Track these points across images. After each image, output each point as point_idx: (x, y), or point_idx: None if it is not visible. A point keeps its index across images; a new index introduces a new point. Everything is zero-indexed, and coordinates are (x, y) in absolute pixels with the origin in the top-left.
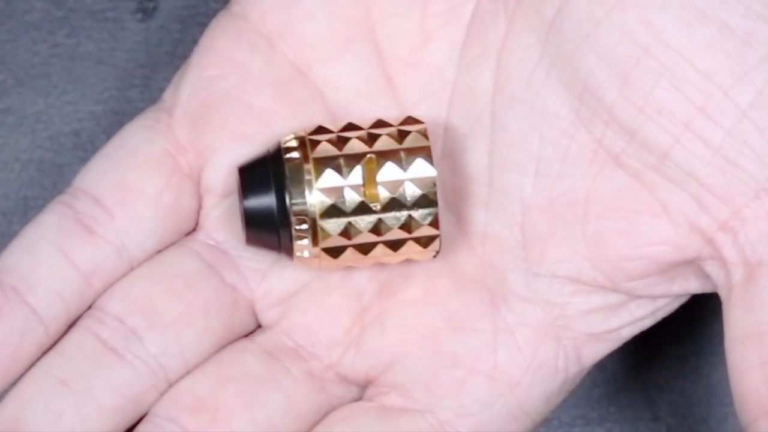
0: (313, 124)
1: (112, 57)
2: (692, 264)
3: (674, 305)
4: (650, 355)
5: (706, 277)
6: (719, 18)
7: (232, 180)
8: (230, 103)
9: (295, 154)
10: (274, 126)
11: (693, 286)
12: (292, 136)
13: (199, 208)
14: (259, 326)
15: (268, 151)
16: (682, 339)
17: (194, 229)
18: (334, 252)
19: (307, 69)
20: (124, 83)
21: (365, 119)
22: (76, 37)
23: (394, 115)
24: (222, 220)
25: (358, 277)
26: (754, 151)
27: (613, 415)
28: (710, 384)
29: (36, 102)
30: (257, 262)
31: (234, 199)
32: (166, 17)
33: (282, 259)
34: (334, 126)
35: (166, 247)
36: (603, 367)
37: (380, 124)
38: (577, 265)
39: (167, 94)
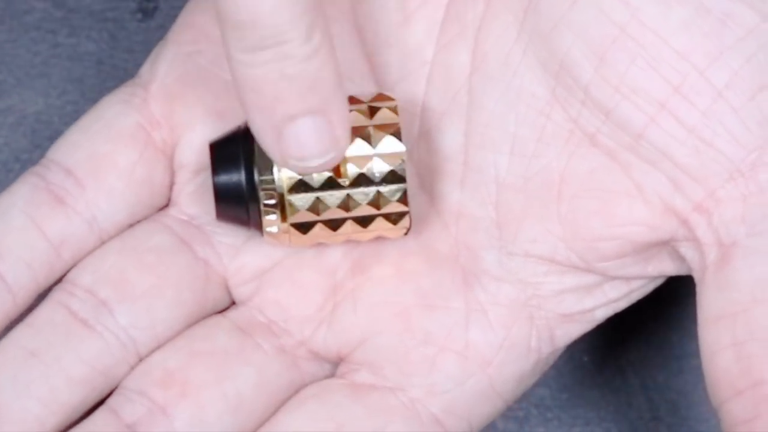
0: None
1: (112, 57)
2: (667, 245)
3: (649, 287)
4: (650, 355)
5: (681, 258)
6: None
7: (206, 156)
8: (206, 79)
9: None
10: None
11: (668, 267)
12: None
13: (172, 183)
14: (233, 303)
15: (240, 127)
16: (683, 338)
17: (167, 205)
18: (303, 228)
19: None
20: (124, 83)
21: None
22: (76, 37)
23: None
24: (195, 195)
25: (332, 255)
26: (729, 132)
27: (612, 415)
28: None
29: (36, 102)
30: (231, 237)
31: (207, 174)
32: (166, 17)
33: (255, 236)
34: None
35: (138, 221)
36: (602, 367)
37: (351, 100)
38: (551, 245)
39: (144, 69)
